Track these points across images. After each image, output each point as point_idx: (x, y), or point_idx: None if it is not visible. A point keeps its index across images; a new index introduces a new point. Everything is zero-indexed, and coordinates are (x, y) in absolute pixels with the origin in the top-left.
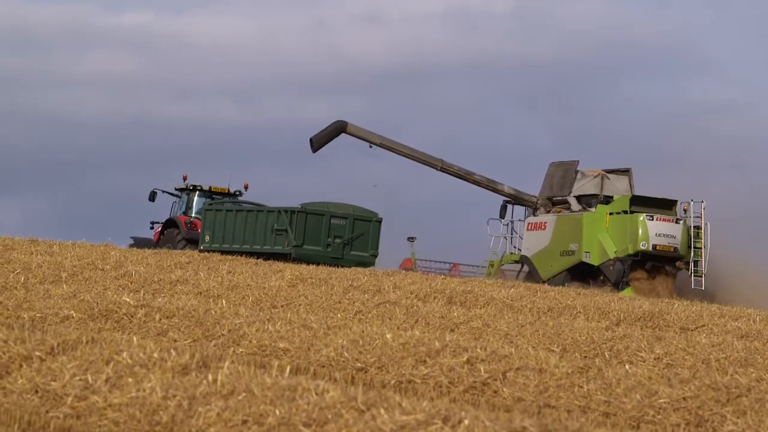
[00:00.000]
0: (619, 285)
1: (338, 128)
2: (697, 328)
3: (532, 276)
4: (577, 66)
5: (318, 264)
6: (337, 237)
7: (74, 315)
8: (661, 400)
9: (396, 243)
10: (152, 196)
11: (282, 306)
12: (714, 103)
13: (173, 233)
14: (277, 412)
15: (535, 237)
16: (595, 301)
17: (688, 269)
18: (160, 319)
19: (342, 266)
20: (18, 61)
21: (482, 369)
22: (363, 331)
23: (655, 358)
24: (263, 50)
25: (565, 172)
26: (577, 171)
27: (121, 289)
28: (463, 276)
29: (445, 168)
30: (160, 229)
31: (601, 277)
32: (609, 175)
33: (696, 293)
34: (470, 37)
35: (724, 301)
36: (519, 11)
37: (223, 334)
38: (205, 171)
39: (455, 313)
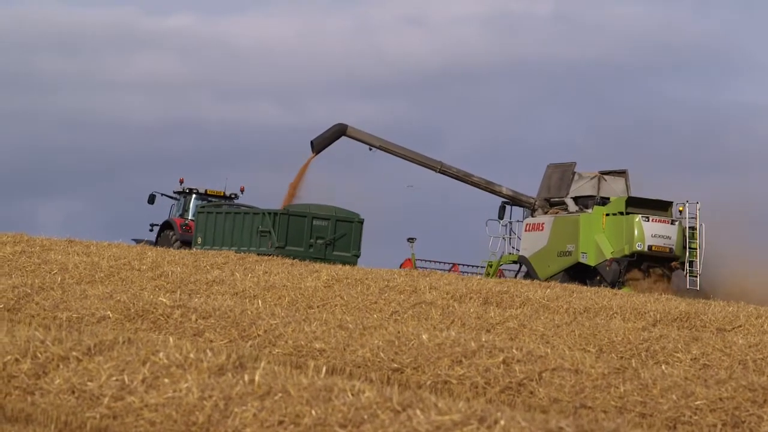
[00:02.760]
0: (615, 285)
1: (338, 131)
2: (733, 328)
3: (530, 276)
4: (618, 68)
5: None
6: (320, 238)
7: (111, 315)
8: (698, 401)
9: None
10: (151, 199)
11: (318, 306)
12: (755, 104)
13: (169, 235)
14: (313, 412)
15: (533, 238)
16: (631, 301)
17: (683, 269)
18: (197, 320)
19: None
20: (64, 64)
21: (518, 369)
22: (399, 332)
23: (691, 359)
24: (306, 52)
25: (562, 173)
26: (575, 172)
27: (157, 289)
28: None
29: (444, 170)
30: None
31: (598, 278)
32: (605, 177)
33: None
34: (512, 40)
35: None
36: (560, 13)
37: (259, 335)
38: (244, 173)
39: (491, 314)
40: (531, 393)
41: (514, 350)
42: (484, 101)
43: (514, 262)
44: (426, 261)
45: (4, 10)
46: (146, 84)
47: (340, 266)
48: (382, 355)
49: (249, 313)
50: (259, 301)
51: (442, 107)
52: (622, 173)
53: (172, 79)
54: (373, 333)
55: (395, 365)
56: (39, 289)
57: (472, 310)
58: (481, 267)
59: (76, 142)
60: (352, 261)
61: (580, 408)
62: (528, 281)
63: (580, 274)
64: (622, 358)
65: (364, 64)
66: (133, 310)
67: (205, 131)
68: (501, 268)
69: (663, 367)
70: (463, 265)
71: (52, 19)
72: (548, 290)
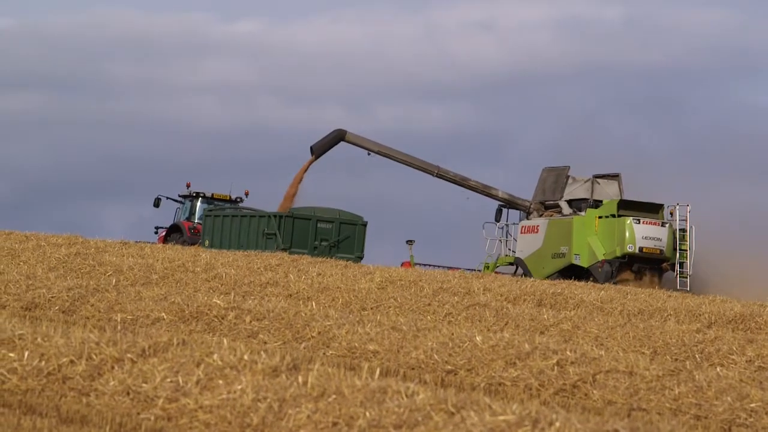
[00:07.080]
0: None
1: (338, 136)
2: None
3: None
4: (688, 73)
5: None
6: (324, 240)
7: (165, 317)
8: (753, 404)
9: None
10: (156, 203)
11: (372, 308)
12: None
13: (177, 238)
14: (367, 414)
15: (529, 240)
16: (686, 303)
17: (673, 271)
18: (251, 321)
19: None
20: (136, 70)
21: (572, 371)
22: (453, 334)
23: (746, 361)
24: (375, 57)
25: (557, 177)
26: (568, 176)
27: (211, 291)
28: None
29: (441, 174)
30: (164, 234)
31: (591, 279)
32: (599, 180)
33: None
34: (581, 45)
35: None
36: (629, 18)
37: (313, 336)
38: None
39: (545, 316)
40: (585, 395)
41: (568, 352)
42: (552, 106)
43: (510, 264)
44: (424, 265)
45: (77, 15)
46: (215, 89)
47: (394, 268)
48: (435, 356)
49: (303, 314)
50: (313, 303)
51: (509, 112)
52: (615, 176)
53: (241, 84)
54: (427, 335)
55: (449, 367)
56: (94, 291)
57: (525, 311)
58: (478, 270)
59: (144, 147)
60: (355, 263)
61: (635, 410)
62: (582, 282)
63: (573, 275)
64: (676, 360)
65: (431, 68)
66: (187, 312)
67: (273, 136)
68: (497, 270)
69: (718, 369)
70: (460, 269)
71: (123, 25)
72: (602, 292)
